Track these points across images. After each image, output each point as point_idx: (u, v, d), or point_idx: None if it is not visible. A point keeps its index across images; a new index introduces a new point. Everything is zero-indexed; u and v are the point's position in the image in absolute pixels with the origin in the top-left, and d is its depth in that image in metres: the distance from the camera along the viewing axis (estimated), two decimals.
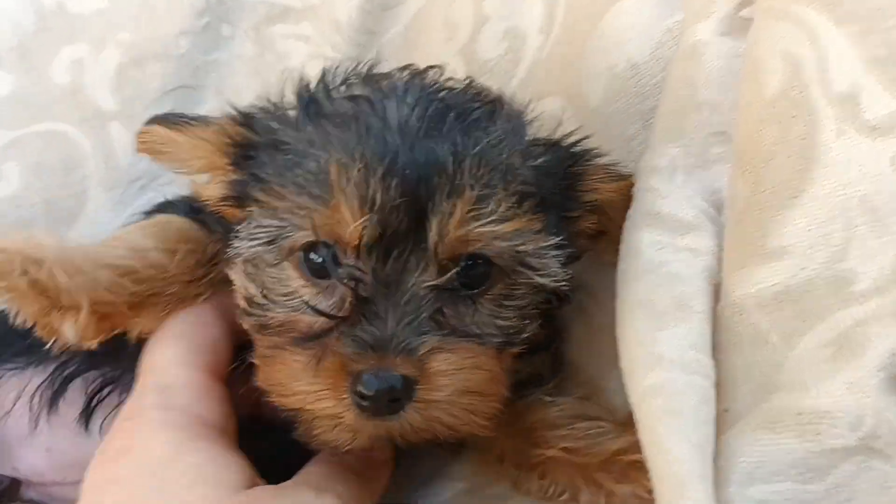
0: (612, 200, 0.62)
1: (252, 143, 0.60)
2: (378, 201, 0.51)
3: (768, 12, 0.56)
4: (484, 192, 0.53)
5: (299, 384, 0.52)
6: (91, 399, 0.68)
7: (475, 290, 0.55)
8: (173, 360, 0.58)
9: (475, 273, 0.55)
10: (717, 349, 0.51)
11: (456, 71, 0.84)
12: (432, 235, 0.52)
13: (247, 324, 0.58)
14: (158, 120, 0.64)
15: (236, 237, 0.57)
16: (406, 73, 0.63)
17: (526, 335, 0.58)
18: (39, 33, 0.92)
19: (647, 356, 0.49)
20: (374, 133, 0.54)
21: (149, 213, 0.72)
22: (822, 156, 0.52)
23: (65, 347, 0.57)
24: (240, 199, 0.59)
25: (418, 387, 0.50)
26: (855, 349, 0.46)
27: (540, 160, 0.59)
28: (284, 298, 0.55)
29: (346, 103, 0.58)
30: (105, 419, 0.67)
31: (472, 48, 0.84)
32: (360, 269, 0.52)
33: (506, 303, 0.56)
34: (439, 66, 0.65)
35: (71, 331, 0.56)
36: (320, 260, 0.54)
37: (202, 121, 0.63)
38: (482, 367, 0.53)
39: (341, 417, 0.51)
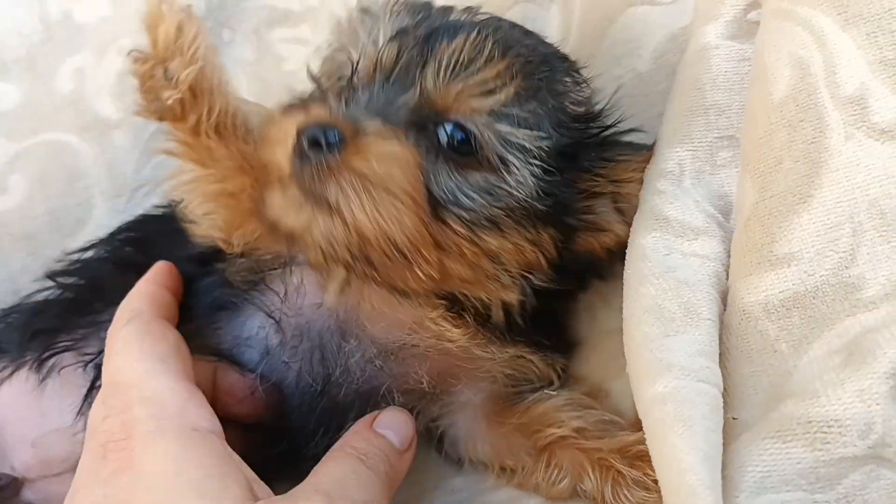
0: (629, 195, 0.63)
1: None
2: (400, 27, 0.61)
3: (775, 15, 0.56)
4: (490, 54, 0.58)
5: (272, 132, 0.58)
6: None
7: (453, 157, 0.58)
8: (149, 372, 0.57)
9: (461, 146, 0.58)
10: (724, 357, 0.51)
11: None
12: (429, 68, 0.58)
13: None
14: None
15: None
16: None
17: (478, 246, 0.58)
18: (45, 43, 0.92)
19: (656, 363, 0.48)
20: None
21: None
22: (830, 160, 0.51)
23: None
24: None
25: (344, 149, 0.54)
26: (864, 356, 0.45)
27: (568, 101, 0.62)
28: None
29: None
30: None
31: None
32: (364, 82, 0.61)
33: (473, 189, 0.58)
34: None
35: (170, 89, 0.62)
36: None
37: None
38: (407, 167, 0.56)
39: (283, 165, 0.56)
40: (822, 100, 0.52)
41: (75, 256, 0.79)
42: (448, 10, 0.64)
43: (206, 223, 0.65)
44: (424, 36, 0.59)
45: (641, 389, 0.47)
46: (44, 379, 0.70)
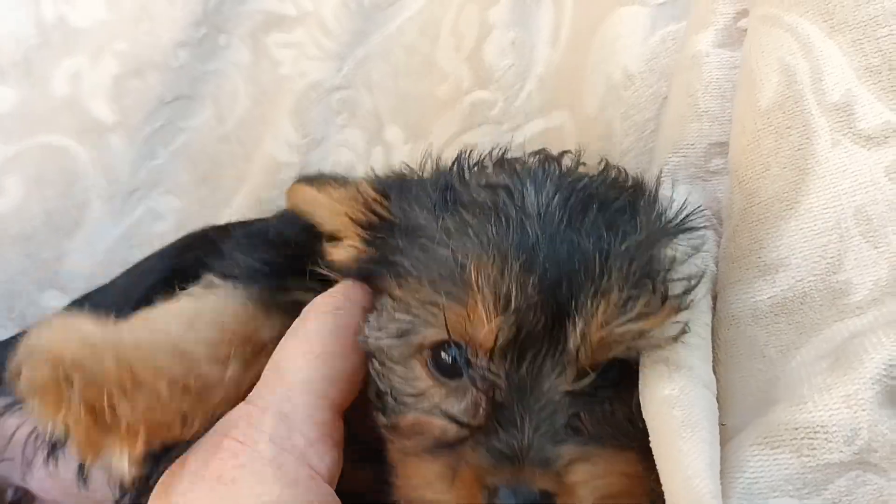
0: None
1: (387, 221, 0.57)
2: (515, 300, 0.48)
3: (762, 21, 0.56)
4: (632, 292, 0.49)
5: (433, 493, 0.49)
6: None
7: (610, 393, 0.51)
8: (304, 384, 0.52)
9: (610, 375, 0.51)
10: (714, 363, 0.51)
11: (463, 79, 0.85)
12: (574, 338, 0.48)
13: (379, 421, 0.54)
14: (304, 179, 0.63)
15: (366, 324, 0.55)
16: (538, 157, 0.61)
17: None
18: (41, 47, 0.92)
19: (662, 362, 0.48)
20: (514, 224, 0.50)
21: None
22: (816, 166, 0.51)
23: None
24: (363, 276, 0.57)
25: (557, 500, 0.47)
26: (851, 361, 0.45)
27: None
28: (413, 400, 0.53)
29: (483, 192, 0.54)
30: None
31: (478, 56, 0.84)
32: (493, 373, 0.49)
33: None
34: (572, 151, 0.62)
35: (122, 462, 0.49)
36: (450, 360, 0.51)
37: (342, 181, 0.62)
38: (624, 472, 0.49)
39: None
40: (809, 106, 0.52)
41: None
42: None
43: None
44: (541, 300, 0.48)
45: (648, 391, 0.48)
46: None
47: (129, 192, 0.93)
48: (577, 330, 0.48)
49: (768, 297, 0.51)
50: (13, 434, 0.71)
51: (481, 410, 0.49)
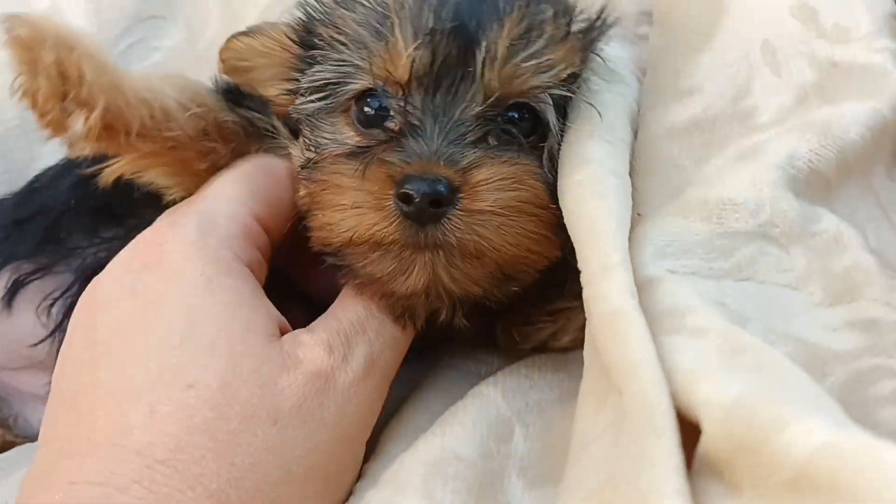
0: None
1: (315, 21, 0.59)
2: (431, 25, 0.51)
3: None
4: (534, 21, 0.53)
5: (346, 197, 0.51)
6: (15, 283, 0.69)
7: (520, 139, 0.54)
8: (229, 194, 0.55)
9: (524, 125, 0.55)
10: (631, 175, 0.55)
11: None
12: (481, 62, 0.52)
13: (304, 188, 0.56)
14: (234, 36, 0.63)
15: (297, 94, 0.59)
16: None
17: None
18: None
19: (576, 157, 0.52)
20: None
21: None
22: (730, 5, 0.57)
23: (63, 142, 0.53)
24: (299, 69, 0.60)
25: (461, 195, 0.49)
26: (757, 154, 0.50)
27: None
28: (337, 148, 0.56)
29: None
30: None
31: None
32: (410, 104, 0.53)
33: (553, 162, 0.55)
34: None
35: (78, 124, 0.50)
36: (372, 112, 0.55)
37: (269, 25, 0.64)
38: (525, 182, 0.52)
39: (385, 232, 0.50)
40: None
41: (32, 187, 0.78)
42: None
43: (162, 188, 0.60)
44: (452, 29, 0.52)
45: (564, 180, 0.51)
46: (10, 301, 0.71)
47: None
48: (483, 54, 0.52)
49: (683, 119, 0.56)
50: None
51: (397, 129, 0.53)
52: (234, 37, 0.63)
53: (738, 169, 0.50)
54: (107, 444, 0.45)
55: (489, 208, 0.50)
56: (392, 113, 0.54)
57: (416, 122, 0.52)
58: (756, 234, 0.48)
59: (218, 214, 0.54)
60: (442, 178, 0.49)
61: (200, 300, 0.49)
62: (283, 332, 0.52)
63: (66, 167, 0.76)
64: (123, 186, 0.60)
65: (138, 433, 0.44)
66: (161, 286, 0.50)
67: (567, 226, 0.49)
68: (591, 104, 0.55)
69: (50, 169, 0.79)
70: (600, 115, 0.54)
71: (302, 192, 0.56)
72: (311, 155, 0.57)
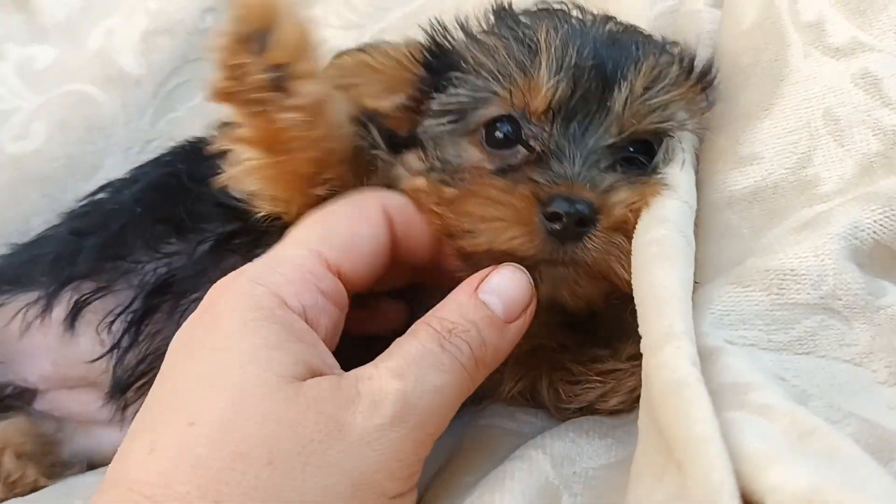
0: None
1: (445, 50, 0.63)
2: (574, 59, 0.56)
3: None
4: (663, 63, 0.59)
5: (491, 210, 0.54)
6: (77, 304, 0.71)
7: (645, 168, 0.58)
8: (297, 237, 0.54)
9: (641, 159, 0.59)
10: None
11: None
12: (620, 98, 0.57)
13: (434, 194, 0.58)
14: (342, 52, 0.65)
15: (419, 113, 0.62)
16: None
17: None
18: (84, 9, 0.99)
19: (650, 217, 0.53)
20: (568, 23, 0.60)
21: None
22: (790, 74, 0.57)
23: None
24: (420, 100, 0.63)
25: (599, 217, 0.53)
26: (820, 224, 0.50)
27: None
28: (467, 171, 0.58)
29: (534, 13, 0.64)
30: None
31: None
32: (546, 131, 0.57)
33: None
34: None
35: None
36: (502, 136, 0.59)
37: (387, 43, 0.66)
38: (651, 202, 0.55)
39: (527, 246, 0.53)
40: (785, 26, 0.58)
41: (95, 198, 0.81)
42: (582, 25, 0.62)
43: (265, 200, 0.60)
44: (592, 66, 0.57)
45: (637, 239, 0.52)
46: (73, 321, 0.72)
47: (146, 141, 0.98)
48: (625, 92, 0.57)
49: (742, 187, 0.56)
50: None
51: (536, 153, 0.57)
52: (342, 53, 0.65)
53: (800, 239, 0.49)
54: (111, 479, 0.47)
55: (623, 232, 0.54)
56: (526, 138, 0.58)
57: (556, 148, 0.56)
58: (818, 306, 0.48)
59: (278, 261, 0.53)
60: (585, 199, 0.52)
61: (229, 343, 0.49)
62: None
63: (136, 175, 0.80)
64: (197, 196, 0.64)
65: (133, 469, 0.46)
66: (202, 333, 0.51)
67: (633, 284, 0.49)
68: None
69: (118, 180, 0.81)
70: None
71: (431, 198, 0.58)
72: (437, 165, 0.60)
